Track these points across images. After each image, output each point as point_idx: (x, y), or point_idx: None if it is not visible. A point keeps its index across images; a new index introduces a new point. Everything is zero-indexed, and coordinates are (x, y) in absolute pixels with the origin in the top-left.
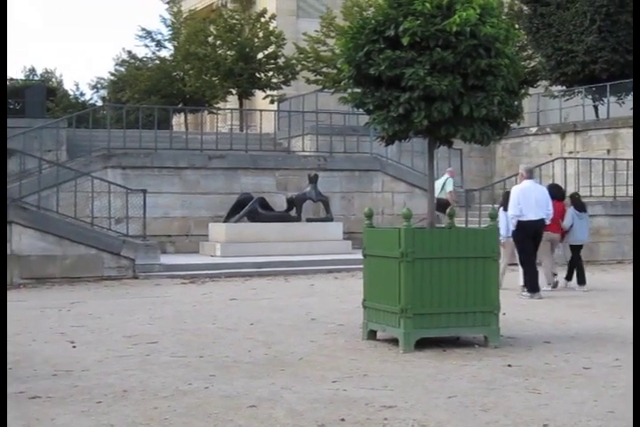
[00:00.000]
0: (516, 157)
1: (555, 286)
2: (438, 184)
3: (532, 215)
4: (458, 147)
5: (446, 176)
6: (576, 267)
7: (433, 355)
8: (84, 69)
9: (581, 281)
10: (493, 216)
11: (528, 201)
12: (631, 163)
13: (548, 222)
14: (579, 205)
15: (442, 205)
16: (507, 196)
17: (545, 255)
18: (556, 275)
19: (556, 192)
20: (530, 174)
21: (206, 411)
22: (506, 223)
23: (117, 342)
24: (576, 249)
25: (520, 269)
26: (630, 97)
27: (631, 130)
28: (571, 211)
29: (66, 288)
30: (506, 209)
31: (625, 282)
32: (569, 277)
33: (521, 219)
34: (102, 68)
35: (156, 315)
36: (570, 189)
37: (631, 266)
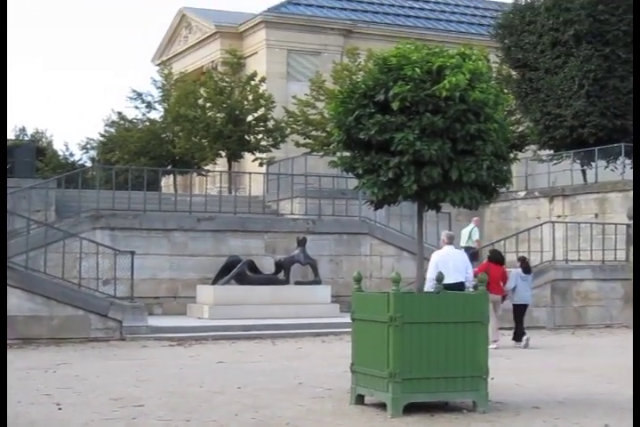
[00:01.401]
0: (504, 220)
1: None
2: (465, 233)
3: (448, 279)
4: (446, 210)
5: (472, 225)
6: (517, 324)
7: (421, 420)
8: (73, 130)
9: (518, 338)
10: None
11: (446, 265)
12: (619, 227)
13: (468, 285)
14: (526, 267)
15: (472, 254)
16: None
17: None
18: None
19: (496, 256)
20: (451, 240)
21: None
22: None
23: (103, 405)
24: (519, 308)
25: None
26: (618, 162)
27: (620, 194)
28: (515, 273)
29: (52, 349)
30: None
31: (613, 346)
32: (517, 338)
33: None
34: (92, 128)
35: (142, 377)
36: (558, 253)
37: (620, 330)
